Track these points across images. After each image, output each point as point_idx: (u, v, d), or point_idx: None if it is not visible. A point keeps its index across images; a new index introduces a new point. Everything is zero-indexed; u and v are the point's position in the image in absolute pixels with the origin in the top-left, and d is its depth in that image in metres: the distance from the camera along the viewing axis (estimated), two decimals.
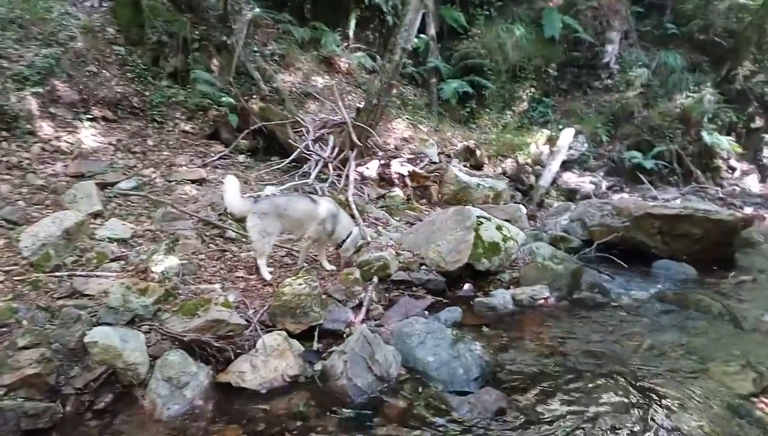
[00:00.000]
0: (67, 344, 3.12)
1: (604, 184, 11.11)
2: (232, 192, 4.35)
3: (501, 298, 4.79)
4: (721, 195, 10.97)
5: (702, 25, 12.82)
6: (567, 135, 10.82)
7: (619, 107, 12.17)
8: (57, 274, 3.91)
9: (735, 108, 12.46)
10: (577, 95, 12.64)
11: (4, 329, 3.14)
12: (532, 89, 12.31)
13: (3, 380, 2.79)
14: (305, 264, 4.79)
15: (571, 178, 10.99)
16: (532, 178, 10.43)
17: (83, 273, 3.96)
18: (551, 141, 11.04)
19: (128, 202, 5.52)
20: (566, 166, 11.15)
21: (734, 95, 12.62)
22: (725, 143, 11.78)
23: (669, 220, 6.42)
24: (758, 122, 12.57)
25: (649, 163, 11.30)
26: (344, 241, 4.67)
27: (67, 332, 3.17)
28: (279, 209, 4.42)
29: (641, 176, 10.96)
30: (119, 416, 2.93)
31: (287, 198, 4.70)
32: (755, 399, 3.15)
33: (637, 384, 3.34)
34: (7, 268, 3.87)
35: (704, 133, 11.68)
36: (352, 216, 5.87)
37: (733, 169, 12.36)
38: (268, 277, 4.36)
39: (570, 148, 11.10)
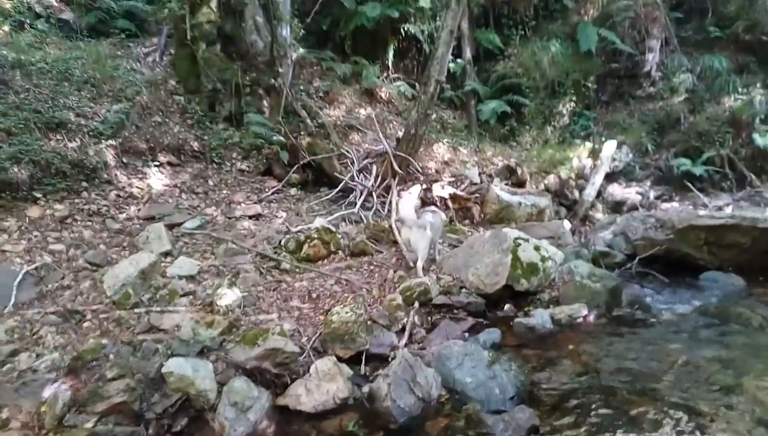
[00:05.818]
0: (148, 374, 3.52)
1: (652, 194, 10.91)
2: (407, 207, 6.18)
3: (540, 318, 4.91)
4: None
5: (746, 25, 12.46)
6: (609, 147, 10.76)
7: (664, 115, 11.94)
8: (136, 310, 4.37)
9: None
10: (618, 106, 12.51)
11: (94, 363, 3.61)
12: (572, 103, 12.27)
13: (96, 408, 3.24)
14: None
15: (616, 191, 10.88)
16: (576, 193, 10.42)
17: (158, 309, 4.42)
18: (594, 154, 11.01)
19: (194, 241, 5.98)
20: (611, 178, 11.05)
21: None
22: None
23: (714, 230, 6.35)
24: None
25: (698, 170, 11.01)
26: None
27: (147, 364, 3.60)
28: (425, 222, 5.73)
29: (689, 185, 10.75)
30: None
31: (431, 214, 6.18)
32: None
33: (669, 400, 3.43)
34: (94, 306, 4.39)
35: (756, 136, 11.27)
36: (395, 242, 6.28)
37: None
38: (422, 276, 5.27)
39: (614, 159, 11.02)
